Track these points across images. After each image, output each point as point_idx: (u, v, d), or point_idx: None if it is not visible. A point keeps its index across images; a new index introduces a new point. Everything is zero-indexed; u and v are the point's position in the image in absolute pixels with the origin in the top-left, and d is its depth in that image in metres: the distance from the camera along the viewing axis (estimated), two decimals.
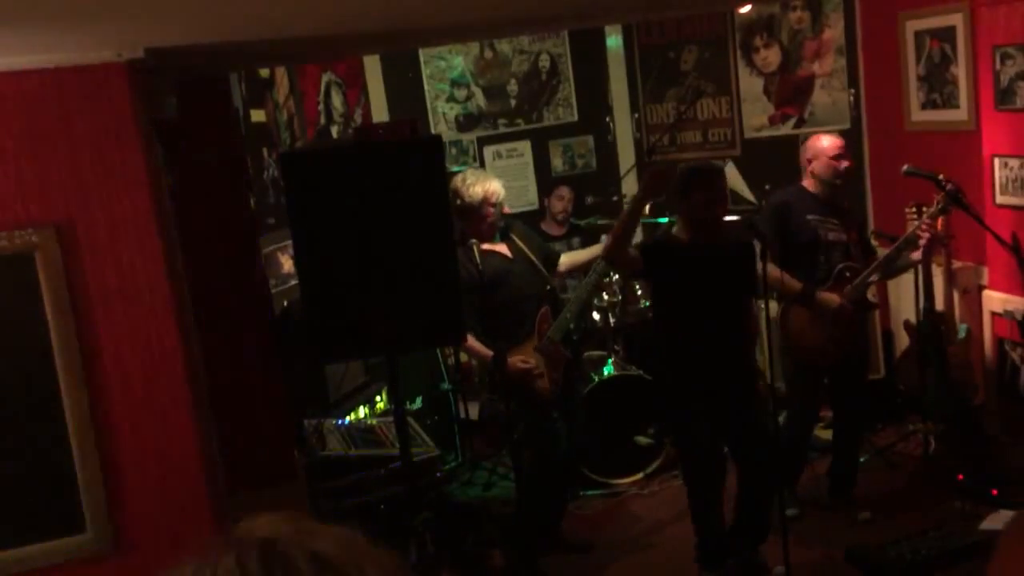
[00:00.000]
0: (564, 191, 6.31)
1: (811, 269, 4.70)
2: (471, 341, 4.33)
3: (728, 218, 4.97)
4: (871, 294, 4.83)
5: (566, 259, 4.97)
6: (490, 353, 4.39)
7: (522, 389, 4.44)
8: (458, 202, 4.45)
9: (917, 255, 4.75)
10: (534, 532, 4.61)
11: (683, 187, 4.15)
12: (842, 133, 6.23)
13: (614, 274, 5.47)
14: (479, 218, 4.50)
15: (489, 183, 4.51)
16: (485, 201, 4.48)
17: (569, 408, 4.76)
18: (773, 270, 4.53)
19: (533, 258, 4.65)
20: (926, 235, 4.66)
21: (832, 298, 4.65)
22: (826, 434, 5.29)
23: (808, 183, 4.82)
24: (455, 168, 6.40)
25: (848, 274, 4.69)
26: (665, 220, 5.66)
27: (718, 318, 4.15)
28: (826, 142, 4.80)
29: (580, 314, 5.14)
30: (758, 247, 4.46)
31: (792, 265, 4.65)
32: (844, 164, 4.75)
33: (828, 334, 4.67)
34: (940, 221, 5.00)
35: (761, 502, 4.32)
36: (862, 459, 5.37)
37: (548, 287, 4.72)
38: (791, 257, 4.66)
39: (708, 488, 4.30)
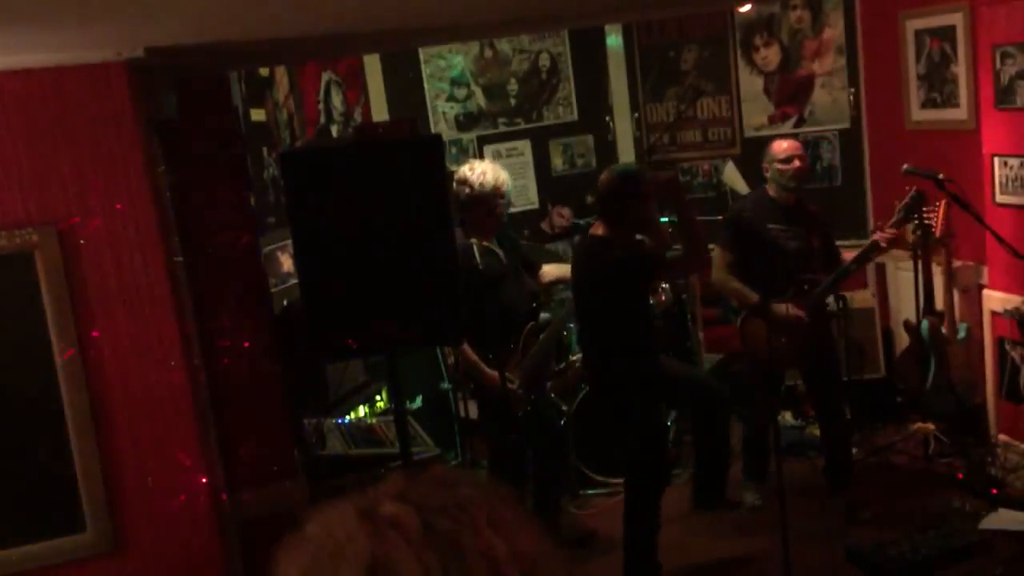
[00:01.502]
0: (565, 211, 6.34)
1: (771, 278, 4.66)
2: (468, 351, 4.35)
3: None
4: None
5: (550, 269, 4.93)
6: (492, 373, 4.33)
7: (497, 409, 4.39)
8: (467, 191, 4.33)
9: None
10: None
11: (623, 194, 4.16)
12: (842, 132, 6.27)
13: None
14: (488, 209, 4.38)
15: (500, 172, 4.41)
16: (496, 191, 4.36)
17: (540, 433, 4.70)
18: (732, 281, 4.75)
19: (523, 272, 4.62)
20: (885, 239, 4.71)
21: (786, 309, 4.67)
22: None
23: (769, 188, 4.89)
24: (455, 167, 6.40)
25: (807, 287, 4.69)
26: (665, 220, 5.66)
27: (648, 308, 4.44)
28: (776, 147, 4.89)
29: (558, 340, 5.15)
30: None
31: (752, 274, 4.72)
32: (794, 166, 4.79)
33: (786, 342, 4.70)
34: (940, 221, 5.02)
35: (716, 434, 4.71)
36: (859, 455, 5.38)
37: (535, 304, 4.71)
38: (751, 266, 4.75)
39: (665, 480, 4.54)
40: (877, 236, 4.73)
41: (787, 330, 4.66)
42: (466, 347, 4.36)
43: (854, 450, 5.39)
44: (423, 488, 0.91)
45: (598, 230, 4.22)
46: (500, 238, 4.55)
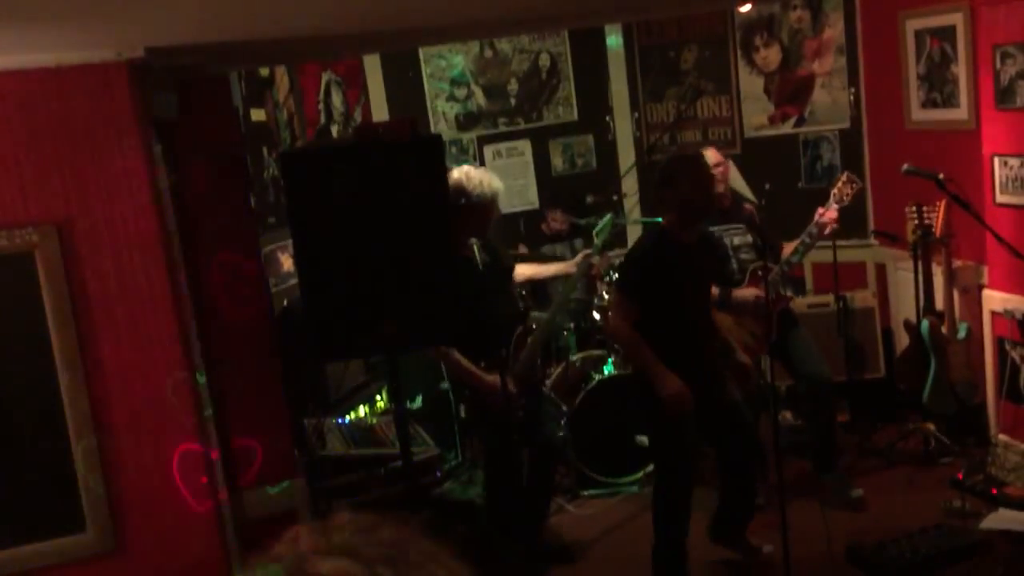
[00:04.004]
0: (557, 215, 6.32)
1: (728, 275, 4.87)
2: (460, 358, 4.25)
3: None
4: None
5: (523, 269, 4.90)
6: (488, 377, 4.26)
7: (494, 414, 4.32)
8: (462, 200, 4.22)
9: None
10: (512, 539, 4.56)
11: (668, 179, 4.08)
12: (842, 132, 6.27)
13: (605, 277, 5.47)
14: (481, 218, 4.33)
15: (494, 181, 4.35)
16: (493, 200, 4.32)
17: (536, 439, 4.65)
18: None
19: (507, 278, 4.59)
20: (831, 217, 4.73)
21: (747, 292, 4.83)
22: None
23: None
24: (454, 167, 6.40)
25: (760, 272, 4.75)
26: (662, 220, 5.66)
27: (701, 308, 4.22)
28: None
29: (549, 337, 5.14)
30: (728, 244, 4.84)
31: None
32: (719, 171, 4.98)
33: (749, 331, 4.84)
34: (940, 221, 5.04)
35: (746, 480, 4.39)
36: (859, 455, 5.39)
37: (523, 307, 4.67)
38: None
39: (688, 491, 4.28)
40: (820, 216, 4.75)
41: (752, 313, 4.77)
42: (456, 354, 4.29)
43: (866, 457, 5.40)
44: (347, 537, 0.86)
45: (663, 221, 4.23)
46: (484, 247, 4.52)
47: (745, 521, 4.49)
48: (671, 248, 4.11)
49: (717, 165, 4.98)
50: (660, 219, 5.31)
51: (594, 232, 5.11)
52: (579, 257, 4.95)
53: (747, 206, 4.92)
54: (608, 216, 5.09)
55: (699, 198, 4.06)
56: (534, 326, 4.74)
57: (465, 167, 4.49)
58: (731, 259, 4.93)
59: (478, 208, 4.29)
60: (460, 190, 4.25)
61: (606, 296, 5.61)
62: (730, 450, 4.37)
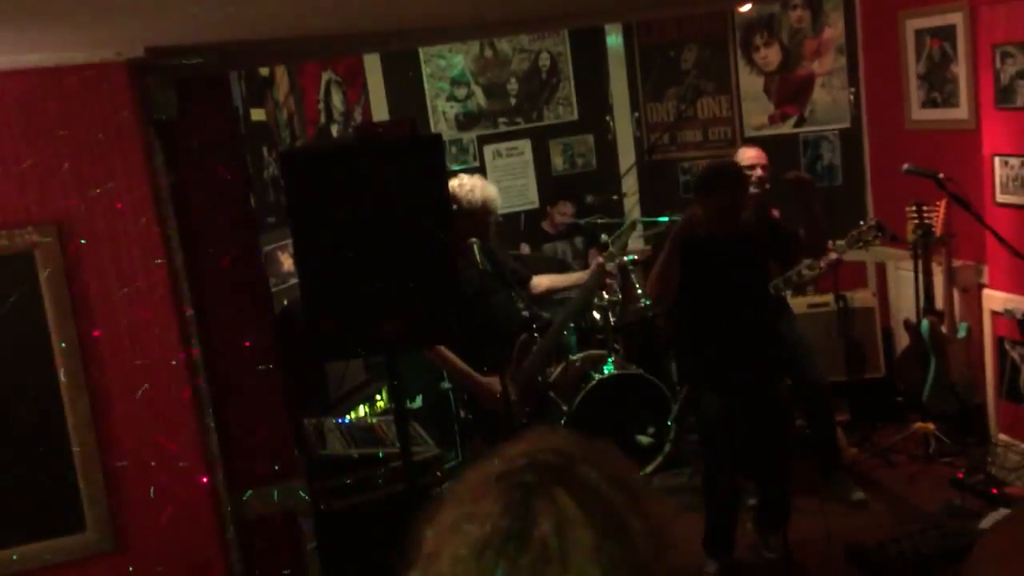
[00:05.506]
0: (567, 207, 6.31)
1: (786, 254, 4.88)
2: (455, 358, 4.23)
3: None
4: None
5: (541, 280, 4.89)
6: (482, 378, 4.26)
7: (494, 420, 4.32)
8: (454, 207, 4.20)
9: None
10: None
11: (705, 186, 4.20)
12: (842, 132, 6.27)
13: (609, 276, 5.44)
14: (475, 226, 4.34)
15: (489, 188, 4.35)
16: (485, 208, 4.32)
17: None
18: None
19: (511, 285, 4.58)
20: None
21: None
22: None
23: None
24: (455, 167, 6.40)
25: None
26: (665, 219, 5.66)
27: (738, 298, 4.20)
28: (740, 155, 5.22)
29: (555, 349, 5.12)
30: None
31: None
32: (756, 174, 5.09)
33: None
34: (940, 221, 5.04)
35: (779, 482, 4.41)
36: (859, 455, 5.39)
37: (526, 315, 4.65)
38: None
39: (718, 469, 4.34)
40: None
41: None
42: (446, 351, 4.28)
43: (854, 450, 5.40)
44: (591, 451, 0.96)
45: None
46: (484, 252, 4.52)
47: (779, 518, 4.42)
48: (701, 233, 4.21)
49: (753, 167, 5.07)
50: (663, 219, 5.34)
51: (611, 239, 5.10)
52: (593, 266, 4.95)
53: (774, 212, 4.94)
54: (628, 223, 5.09)
55: (725, 207, 4.16)
56: (537, 335, 4.72)
57: (463, 175, 4.49)
58: (791, 239, 4.64)
59: (469, 215, 4.29)
60: (452, 197, 4.26)
61: (606, 296, 5.61)
62: (763, 447, 4.41)
